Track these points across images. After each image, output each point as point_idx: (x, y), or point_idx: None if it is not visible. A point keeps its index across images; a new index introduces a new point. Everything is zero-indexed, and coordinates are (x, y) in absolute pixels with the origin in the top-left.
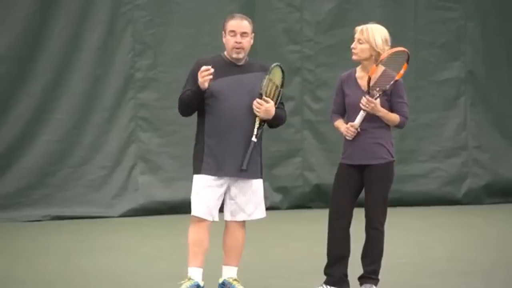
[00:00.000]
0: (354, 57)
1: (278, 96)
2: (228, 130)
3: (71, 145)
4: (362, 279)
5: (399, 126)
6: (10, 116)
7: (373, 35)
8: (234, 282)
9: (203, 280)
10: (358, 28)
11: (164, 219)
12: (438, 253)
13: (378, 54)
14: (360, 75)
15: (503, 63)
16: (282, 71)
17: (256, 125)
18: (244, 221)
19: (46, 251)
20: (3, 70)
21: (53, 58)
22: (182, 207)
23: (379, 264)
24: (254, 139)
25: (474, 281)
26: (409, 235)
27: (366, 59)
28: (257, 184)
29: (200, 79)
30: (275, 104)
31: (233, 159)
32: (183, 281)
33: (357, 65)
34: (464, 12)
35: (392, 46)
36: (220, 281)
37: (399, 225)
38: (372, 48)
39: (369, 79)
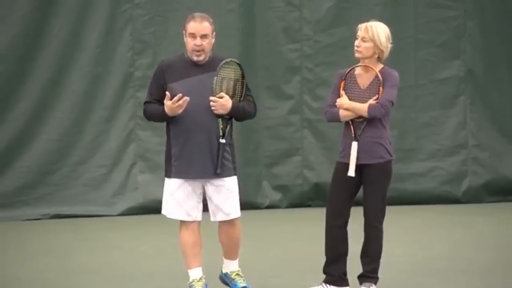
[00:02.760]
0: (357, 55)
1: (242, 89)
2: (192, 132)
3: (70, 144)
4: (361, 278)
5: (371, 112)
6: (9, 115)
7: (378, 33)
8: (237, 278)
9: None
10: (362, 26)
11: (163, 217)
12: (437, 252)
13: (382, 52)
14: (360, 73)
15: (503, 61)
16: (237, 64)
17: (220, 126)
18: (237, 218)
19: (46, 250)
20: (3, 68)
21: (52, 57)
22: None
23: (378, 262)
24: (222, 140)
25: (473, 279)
26: (408, 233)
27: (369, 57)
28: (232, 182)
29: (171, 110)
30: (241, 97)
31: (199, 161)
32: (193, 282)
33: (357, 62)
34: (464, 10)
35: (392, 44)
36: (224, 271)
37: (398, 223)
38: (376, 46)
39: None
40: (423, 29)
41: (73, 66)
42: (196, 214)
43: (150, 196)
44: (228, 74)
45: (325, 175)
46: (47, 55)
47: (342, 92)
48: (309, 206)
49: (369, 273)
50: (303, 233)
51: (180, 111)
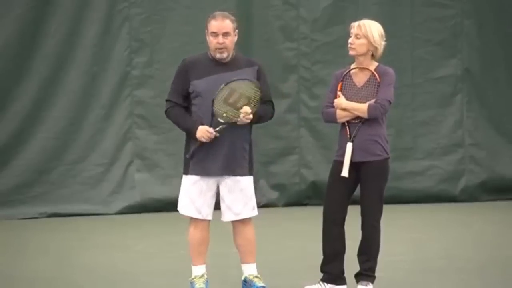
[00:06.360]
0: (351, 52)
1: (255, 103)
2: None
3: (67, 143)
4: (358, 276)
5: (371, 113)
6: (6, 114)
7: (371, 30)
8: (255, 279)
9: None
10: (355, 24)
11: (160, 216)
12: (435, 251)
13: (376, 49)
14: (355, 71)
15: (500, 60)
16: (259, 89)
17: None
18: (249, 218)
19: (42, 249)
20: (0, 67)
21: (49, 56)
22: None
23: (376, 261)
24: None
25: (470, 278)
26: (405, 232)
27: (362, 54)
28: (245, 182)
29: (203, 137)
30: (254, 106)
31: (216, 158)
32: (194, 278)
33: (352, 63)
34: (461, 9)
35: (387, 43)
36: (242, 278)
37: (396, 222)
38: (369, 43)
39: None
40: (420, 28)
41: (70, 65)
42: (207, 212)
43: (147, 194)
44: (245, 90)
45: (322, 173)
46: (44, 54)
47: (339, 93)
48: (306, 204)
49: (366, 271)
50: (300, 232)
51: (206, 141)
